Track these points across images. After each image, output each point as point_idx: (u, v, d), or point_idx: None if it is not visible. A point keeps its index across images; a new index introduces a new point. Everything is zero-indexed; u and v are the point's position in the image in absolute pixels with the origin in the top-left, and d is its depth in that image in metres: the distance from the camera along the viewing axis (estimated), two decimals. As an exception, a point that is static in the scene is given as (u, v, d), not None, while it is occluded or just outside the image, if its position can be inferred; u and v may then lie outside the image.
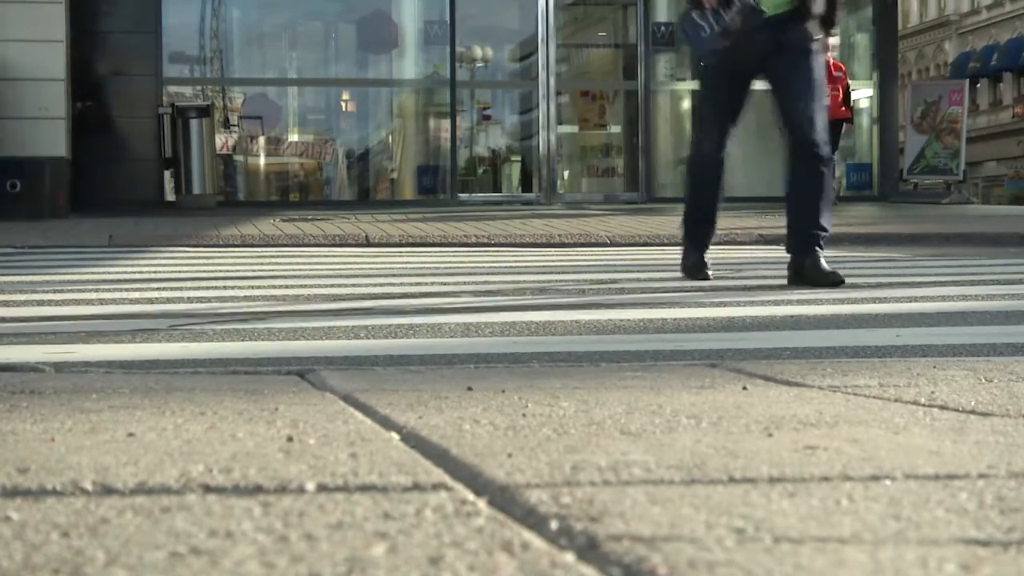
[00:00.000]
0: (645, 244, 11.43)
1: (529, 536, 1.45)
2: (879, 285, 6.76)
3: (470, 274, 7.83)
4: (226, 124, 19.18)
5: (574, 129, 20.18)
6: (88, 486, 1.70)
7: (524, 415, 2.32)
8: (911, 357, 3.81)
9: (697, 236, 7.18)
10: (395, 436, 2.10)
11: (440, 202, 18.29)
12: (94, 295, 6.42)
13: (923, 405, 2.48)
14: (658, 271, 8.00)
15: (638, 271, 8.07)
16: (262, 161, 19.75)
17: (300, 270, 8.29)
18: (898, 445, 2.02)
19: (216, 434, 2.11)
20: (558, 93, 19.16)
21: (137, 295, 6.44)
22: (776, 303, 5.78)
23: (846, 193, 20.04)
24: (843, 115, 16.88)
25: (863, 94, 20.33)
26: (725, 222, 13.43)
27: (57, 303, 5.97)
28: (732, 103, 7.11)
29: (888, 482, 1.74)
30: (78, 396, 2.57)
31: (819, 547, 1.41)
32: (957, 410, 2.42)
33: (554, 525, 1.49)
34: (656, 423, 2.23)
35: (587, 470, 1.80)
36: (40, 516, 1.54)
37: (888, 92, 20.14)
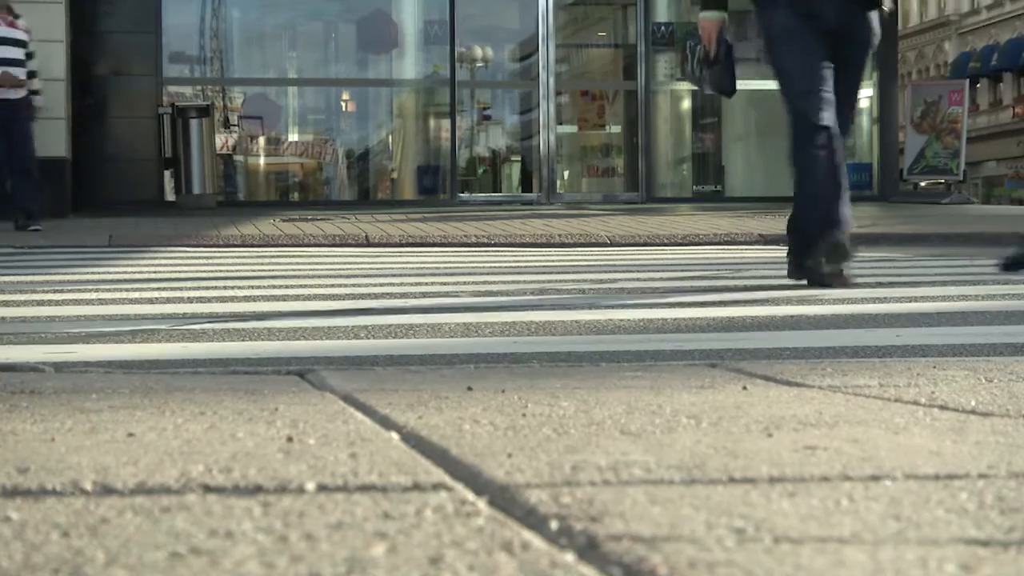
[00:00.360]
0: (645, 244, 11.43)
1: (529, 536, 1.45)
2: (879, 285, 6.76)
3: (470, 274, 7.83)
4: (226, 124, 19.18)
5: (574, 129, 20.19)
6: (88, 486, 1.70)
7: (524, 415, 2.32)
8: (911, 357, 3.81)
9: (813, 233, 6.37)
10: (395, 436, 2.10)
11: (440, 202, 18.29)
12: (94, 295, 6.42)
13: (923, 405, 2.48)
14: (658, 271, 8.00)
15: (638, 271, 8.07)
16: (262, 161, 19.75)
17: (300, 270, 8.29)
18: (898, 445, 2.02)
19: (216, 434, 2.11)
20: (558, 93, 19.16)
21: (137, 295, 6.44)
22: (776, 303, 5.78)
23: (846, 193, 20.02)
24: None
25: (863, 94, 20.28)
26: (725, 222, 13.45)
27: (57, 303, 5.97)
28: (824, 62, 6.42)
29: (888, 482, 1.74)
30: (78, 396, 2.57)
31: (819, 547, 1.41)
32: (957, 410, 2.42)
33: (554, 525, 1.49)
34: (656, 423, 2.23)
35: (587, 470, 1.80)
36: (40, 516, 1.54)
37: (888, 92, 20.13)
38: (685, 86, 20.14)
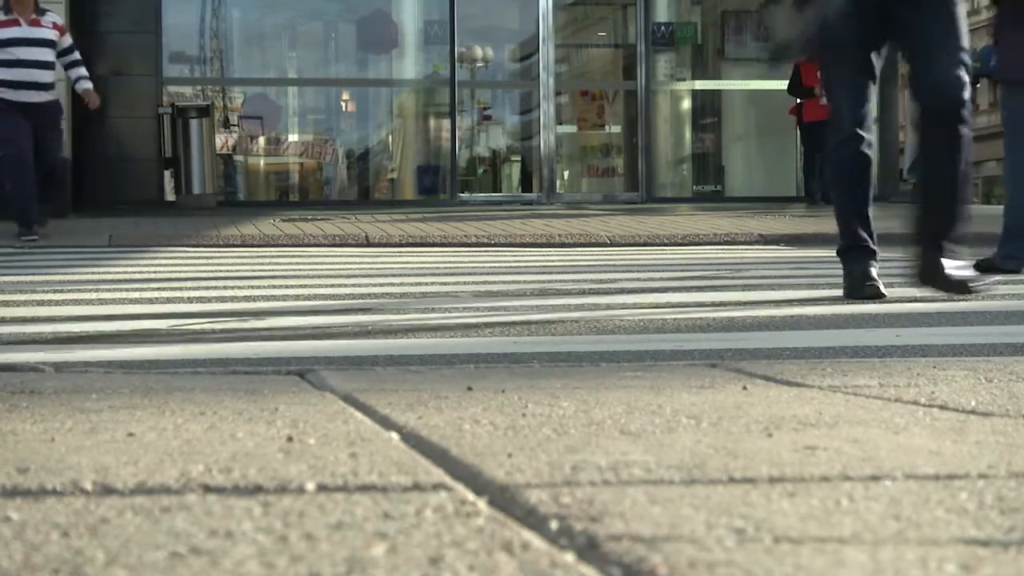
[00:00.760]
0: (645, 244, 11.43)
1: (529, 536, 1.45)
2: (879, 285, 6.74)
3: (470, 274, 7.83)
4: (226, 124, 19.18)
5: (574, 129, 20.19)
6: (88, 486, 1.70)
7: (524, 415, 2.32)
8: (911, 357, 3.81)
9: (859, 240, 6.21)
10: (395, 436, 2.10)
11: (440, 202, 18.29)
12: (94, 295, 6.42)
13: (923, 405, 2.48)
14: (658, 271, 8.00)
15: (638, 271, 8.07)
16: (262, 161, 19.75)
17: (300, 270, 8.29)
18: (898, 445, 2.02)
19: (216, 434, 2.11)
20: (558, 93, 19.16)
21: (137, 295, 6.44)
22: (776, 303, 5.78)
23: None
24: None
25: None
26: (725, 222, 13.45)
27: (57, 303, 5.97)
28: (862, 74, 5.87)
29: (888, 482, 1.74)
30: (78, 396, 2.57)
31: (819, 547, 1.41)
32: (957, 410, 2.42)
33: (554, 525, 1.49)
34: (656, 423, 2.23)
35: (587, 470, 1.80)
36: (40, 516, 1.54)
37: (888, 92, 20.13)
38: (685, 86, 20.16)
